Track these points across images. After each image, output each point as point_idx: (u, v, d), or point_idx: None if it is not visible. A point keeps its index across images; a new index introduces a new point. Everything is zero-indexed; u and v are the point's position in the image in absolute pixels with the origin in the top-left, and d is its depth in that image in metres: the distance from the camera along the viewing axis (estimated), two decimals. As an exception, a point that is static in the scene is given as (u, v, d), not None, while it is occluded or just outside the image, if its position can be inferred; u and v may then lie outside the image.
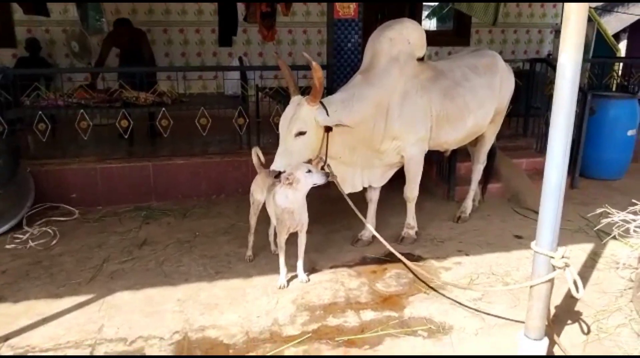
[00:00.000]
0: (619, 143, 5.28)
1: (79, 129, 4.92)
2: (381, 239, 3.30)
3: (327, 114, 3.16)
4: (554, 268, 2.22)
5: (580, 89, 5.11)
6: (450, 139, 3.84)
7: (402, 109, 3.46)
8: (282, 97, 5.38)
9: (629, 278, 3.34)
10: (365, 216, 3.93)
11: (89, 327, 2.84)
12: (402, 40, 3.48)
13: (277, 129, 5.14)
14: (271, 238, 3.77)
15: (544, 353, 2.31)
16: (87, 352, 2.62)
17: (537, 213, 4.38)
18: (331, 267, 3.55)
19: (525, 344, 2.31)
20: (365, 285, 3.30)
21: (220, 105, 5.43)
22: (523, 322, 2.47)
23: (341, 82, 5.09)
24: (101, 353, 2.61)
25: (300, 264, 3.38)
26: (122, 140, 5.37)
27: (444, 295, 3.15)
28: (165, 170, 4.99)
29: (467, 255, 3.73)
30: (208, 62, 7.99)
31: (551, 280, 2.28)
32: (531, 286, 2.30)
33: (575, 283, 2.23)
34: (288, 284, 3.29)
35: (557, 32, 8.74)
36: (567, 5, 2.04)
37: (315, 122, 3.14)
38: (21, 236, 4.10)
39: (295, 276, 3.37)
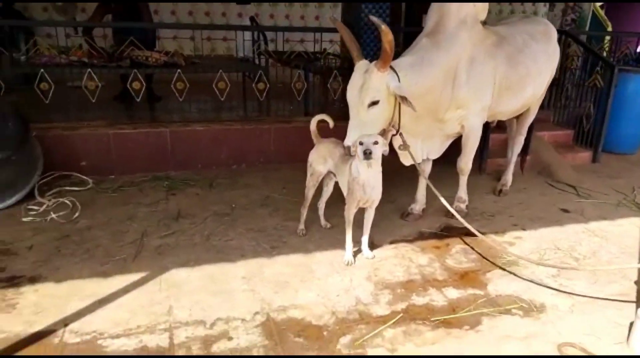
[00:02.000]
0: (637, 117, 5.33)
1: (86, 90, 4.46)
2: (458, 217, 3.14)
3: (399, 80, 2.93)
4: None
5: (607, 63, 5.10)
6: (507, 109, 3.71)
7: (469, 75, 3.27)
8: (303, 62, 5.08)
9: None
10: (416, 190, 3.79)
11: (156, 309, 2.56)
12: (468, 2, 3.27)
13: (299, 95, 5.00)
14: (321, 212, 3.57)
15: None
16: (165, 338, 2.35)
17: (571, 186, 4.50)
18: (391, 242, 3.39)
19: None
20: (435, 261, 3.16)
21: (238, 68, 5.06)
22: (611, 300, 2.43)
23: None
24: (182, 339, 2.35)
25: (365, 240, 3.19)
26: (121, 104, 4.93)
27: (514, 274, 3.05)
28: (184, 137, 4.63)
29: (523, 229, 3.65)
30: (217, 21, 7.45)
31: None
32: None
33: None
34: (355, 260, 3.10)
35: (551, 6, 8.78)
36: None
37: (387, 89, 2.91)
38: (36, 207, 3.70)
39: (358, 251, 3.18)
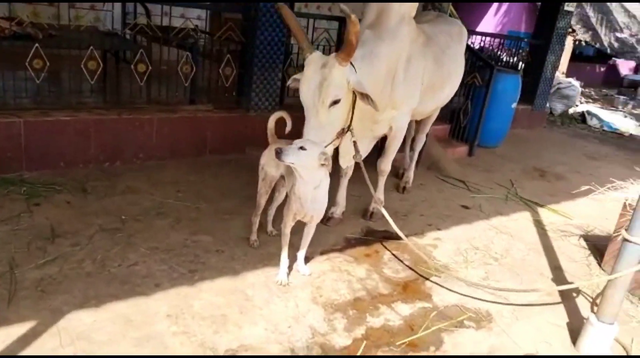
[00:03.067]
0: (504, 114, 5.81)
1: None
2: (392, 224, 2.96)
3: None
4: (645, 255, 2.23)
5: (487, 63, 5.42)
6: (426, 110, 3.66)
7: (405, 74, 3.11)
8: (189, 43, 4.43)
9: (581, 246, 3.69)
10: (336, 194, 3.54)
11: (65, 375, 1.92)
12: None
13: (186, 80, 4.35)
14: (270, 218, 3.22)
15: (615, 335, 2.37)
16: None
17: (460, 181, 4.70)
18: (321, 253, 3.10)
19: (599, 327, 2.33)
20: (372, 272, 2.97)
21: (111, 44, 4.21)
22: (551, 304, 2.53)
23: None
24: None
25: (301, 255, 2.85)
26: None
27: (448, 288, 3.02)
28: (43, 129, 3.69)
29: (438, 229, 3.66)
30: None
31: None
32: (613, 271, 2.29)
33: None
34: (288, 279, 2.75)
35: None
36: None
37: (347, 86, 2.59)
38: None
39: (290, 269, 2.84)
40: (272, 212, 3.20)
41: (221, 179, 4.05)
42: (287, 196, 2.92)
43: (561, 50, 7.36)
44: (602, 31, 14.99)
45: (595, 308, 2.50)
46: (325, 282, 2.80)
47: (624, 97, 12.95)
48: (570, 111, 9.63)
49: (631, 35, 15.82)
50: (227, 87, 4.62)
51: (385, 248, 3.28)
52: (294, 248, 2.83)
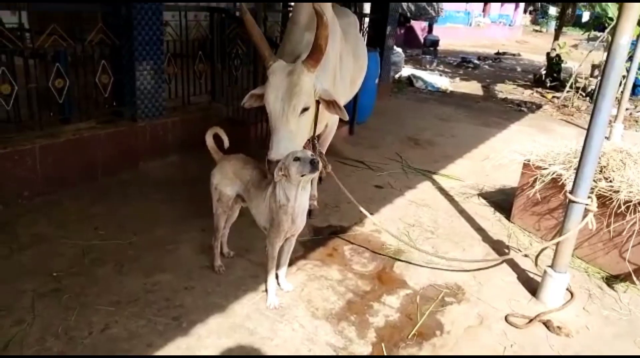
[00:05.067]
0: (370, 90, 6.18)
1: None
2: (372, 218, 3.04)
3: None
4: (585, 213, 2.69)
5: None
6: (344, 103, 3.73)
7: (341, 72, 3.14)
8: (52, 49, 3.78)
9: (482, 204, 4.23)
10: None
11: None
12: None
13: (60, 96, 3.72)
14: (224, 239, 3.01)
15: (568, 282, 2.84)
16: None
17: (358, 161, 4.94)
18: (288, 264, 3.04)
19: (556, 277, 2.77)
20: (345, 272, 3.03)
21: None
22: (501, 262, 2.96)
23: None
24: None
25: (283, 272, 2.78)
26: None
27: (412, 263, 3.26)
28: None
29: (371, 213, 3.80)
30: None
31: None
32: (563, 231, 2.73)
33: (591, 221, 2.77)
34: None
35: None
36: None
37: (314, 93, 2.53)
38: None
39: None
40: (226, 232, 3.02)
41: (134, 204, 3.64)
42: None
43: (395, 22, 8.03)
44: (400, -3, 16.58)
45: (539, 262, 2.97)
46: (311, 293, 2.78)
47: (430, 56, 14.67)
48: (397, 76, 10.62)
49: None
50: (106, 98, 4.10)
51: (344, 240, 3.36)
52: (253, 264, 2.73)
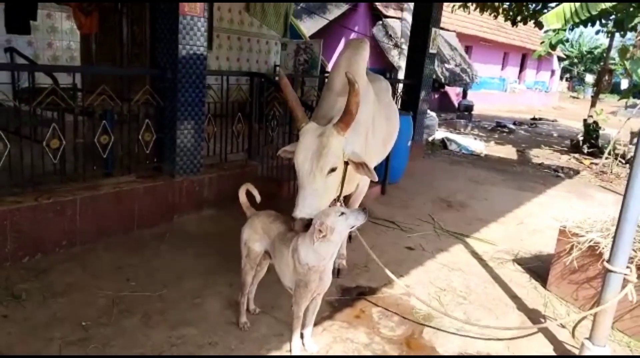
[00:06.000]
0: (402, 151, 6.25)
1: None
2: (393, 277, 3.00)
3: None
4: (624, 283, 2.58)
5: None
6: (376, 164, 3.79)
7: (374, 134, 3.22)
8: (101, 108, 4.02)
9: (517, 270, 4.11)
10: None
11: None
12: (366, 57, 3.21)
13: (104, 151, 3.91)
14: (251, 296, 3.01)
15: (608, 355, 2.69)
16: None
17: (389, 221, 4.92)
18: (314, 324, 3.00)
19: (595, 350, 2.63)
20: (372, 335, 2.96)
21: (22, 122, 3.62)
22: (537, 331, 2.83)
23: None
24: None
25: (309, 332, 2.74)
26: None
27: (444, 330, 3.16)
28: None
29: (401, 275, 3.77)
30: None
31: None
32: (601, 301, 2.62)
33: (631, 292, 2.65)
34: (301, 361, 2.63)
35: (284, 45, 9.46)
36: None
37: (342, 155, 2.59)
38: None
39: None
40: (253, 288, 3.03)
41: (166, 257, 3.71)
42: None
43: (428, 87, 8.20)
44: (435, 64, 16.98)
45: (576, 334, 2.83)
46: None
47: (464, 120, 14.79)
48: (430, 138, 10.70)
49: (456, 66, 18.22)
50: (147, 154, 4.28)
51: (371, 303, 3.30)
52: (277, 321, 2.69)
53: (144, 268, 3.50)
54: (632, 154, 8.56)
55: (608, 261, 2.59)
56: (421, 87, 7.84)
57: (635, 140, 10.00)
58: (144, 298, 3.11)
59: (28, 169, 3.52)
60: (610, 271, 2.57)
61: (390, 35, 15.93)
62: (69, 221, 3.63)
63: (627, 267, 2.57)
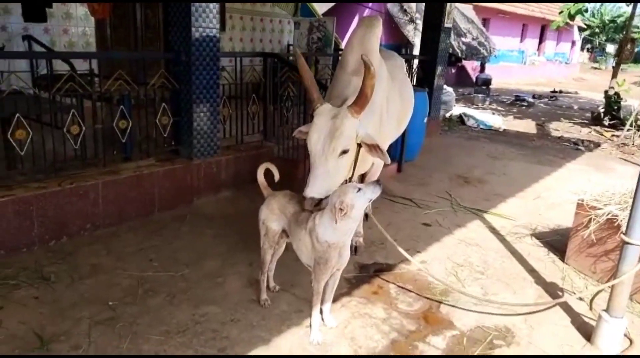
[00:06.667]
0: (419, 128, 6.22)
1: None
2: (407, 256, 3.04)
3: None
4: (643, 254, 2.57)
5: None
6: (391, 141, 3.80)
7: (388, 113, 3.22)
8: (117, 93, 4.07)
9: (535, 245, 4.10)
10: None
11: None
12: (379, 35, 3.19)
13: (123, 136, 3.98)
14: (271, 273, 3.08)
15: (625, 327, 2.70)
16: None
17: (406, 199, 4.94)
18: (333, 301, 3.05)
19: (612, 322, 2.64)
20: (390, 310, 3.01)
21: (43, 109, 3.70)
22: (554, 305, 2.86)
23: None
24: None
25: (328, 307, 2.80)
26: None
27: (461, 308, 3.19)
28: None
29: (418, 252, 3.82)
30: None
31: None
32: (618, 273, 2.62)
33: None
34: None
35: (297, 24, 9.39)
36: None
37: (355, 137, 2.61)
38: None
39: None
40: (272, 266, 3.09)
41: (187, 238, 3.80)
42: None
43: (444, 62, 8.09)
44: (451, 38, 16.68)
45: (594, 306, 2.84)
46: (355, 331, 2.78)
47: (482, 94, 14.57)
48: (447, 114, 10.58)
49: (473, 39, 17.87)
50: (165, 138, 4.35)
51: (387, 281, 3.35)
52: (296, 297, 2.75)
53: (165, 249, 3.59)
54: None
55: (625, 233, 2.58)
56: (437, 62, 7.75)
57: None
58: (167, 277, 3.20)
59: (50, 156, 3.61)
60: (627, 243, 2.56)
61: (405, 10, 15.66)
62: (92, 205, 3.73)
63: (645, 239, 2.56)
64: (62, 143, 3.68)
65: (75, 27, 7.20)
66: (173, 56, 4.30)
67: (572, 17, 8.14)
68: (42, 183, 3.51)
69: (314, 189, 2.52)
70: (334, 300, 2.96)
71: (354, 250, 3.68)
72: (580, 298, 3.21)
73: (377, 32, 3.14)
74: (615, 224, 3.25)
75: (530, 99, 14.86)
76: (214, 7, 4.22)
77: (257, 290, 3.00)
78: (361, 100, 2.51)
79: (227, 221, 4.14)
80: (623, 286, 2.61)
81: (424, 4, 8.50)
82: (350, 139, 2.57)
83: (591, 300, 3.02)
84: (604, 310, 2.70)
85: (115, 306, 2.84)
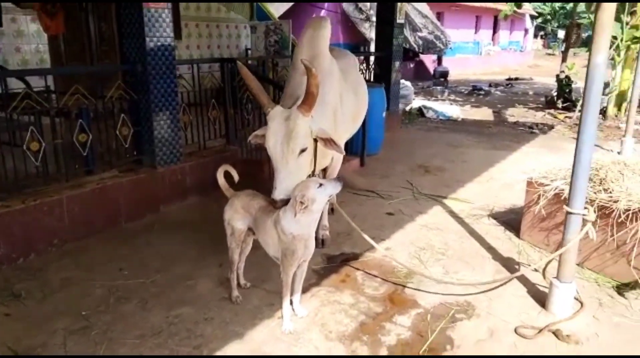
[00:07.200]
0: (378, 123, 6.39)
1: None
2: (377, 246, 3.18)
3: None
4: (584, 223, 2.78)
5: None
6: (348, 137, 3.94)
7: (342, 110, 3.35)
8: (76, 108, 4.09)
9: (492, 224, 4.31)
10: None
11: None
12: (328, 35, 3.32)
13: (84, 149, 4.00)
14: (240, 271, 3.16)
15: (575, 291, 2.90)
16: None
17: (370, 191, 5.09)
18: (302, 291, 3.17)
19: (562, 287, 2.84)
20: (358, 295, 3.14)
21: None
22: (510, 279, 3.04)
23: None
24: None
25: (298, 298, 2.91)
26: None
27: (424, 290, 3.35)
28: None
29: (382, 240, 3.96)
30: None
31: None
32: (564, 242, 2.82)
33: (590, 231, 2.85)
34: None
35: (253, 28, 9.47)
36: (601, 8, 2.53)
37: (311, 134, 2.73)
38: None
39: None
40: (242, 265, 3.18)
41: (156, 246, 3.85)
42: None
43: (400, 57, 8.31)
44: (407, 33, 17.03)
45: (546, 275, 3.04)
46: (325, 317, 2.90)
47: (440, 87, 14.95)
48: (407, 108, 10.83)
49: (429, 33, 18.26)
50: (127, 148, 4.38)
51: (355, 269, 3.48)
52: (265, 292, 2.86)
53: (135, 258, 3.63)
54: (604, 104, 8.74)
55: (567, 204, 2.78)
56: (392, 58, 7.95)
57: (606, 90, 10.24)
58: (139, 284, 3.25)
59: (12, 174, 3.61)
60: (570, 213, 2.76)
61: (361, 9, 15.91)
62: (58, 220, 3.74)
63: (585, 208, 2.76)
64: (23, 161, 3.68)
65: (27, 45, 7.11)
66: (129, 67, 4.34)
67: (519, 5, 8.48)
68: (6, 202, 3.51)
69: (281, 192, 2.65)
70: (304, 291, 3.08)
71: (321, 242, 3.80)
72: (535, 270, 3.41)
73: (325, 33, 3.27)
74: (562, 198, 3.47)
75: (487, 88, 15.32)
76: (167, 16, 4.29)
77: (228, 288, 3.09)
78: (308, 99, 2.63)
79: (195, 226, 4.21)
80: (569, 254, 2.81)
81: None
82: (306, 137, 2.70)
83: (544, 270, 3.21)
84: (555, 277, 2.90)
85: (88, 315, 2.89)
